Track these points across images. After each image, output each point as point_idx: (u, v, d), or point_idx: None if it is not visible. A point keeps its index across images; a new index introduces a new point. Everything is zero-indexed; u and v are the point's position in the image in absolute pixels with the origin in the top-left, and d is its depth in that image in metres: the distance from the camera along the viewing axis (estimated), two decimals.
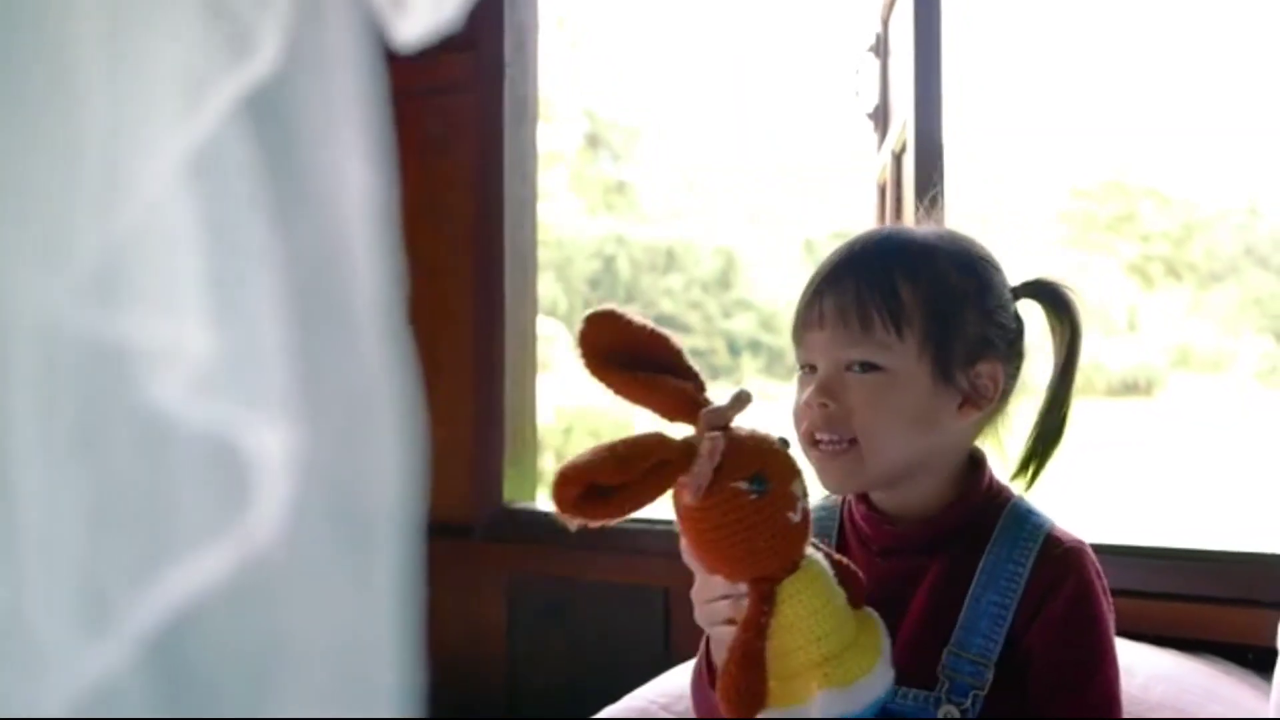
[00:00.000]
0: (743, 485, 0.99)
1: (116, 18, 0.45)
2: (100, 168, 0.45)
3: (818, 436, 1.11)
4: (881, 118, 2.19)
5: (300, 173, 0.47)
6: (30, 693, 0.44)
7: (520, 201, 2.20)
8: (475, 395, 2.24)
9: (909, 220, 1.84)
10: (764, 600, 1.01)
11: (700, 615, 1.08)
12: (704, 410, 1.01)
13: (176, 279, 0.45)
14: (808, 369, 1.14)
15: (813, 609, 1.02)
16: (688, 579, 2.01)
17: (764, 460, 1.00)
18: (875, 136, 2.23)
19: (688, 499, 0.98)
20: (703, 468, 0.96)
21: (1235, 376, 12.91)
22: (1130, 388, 13.21)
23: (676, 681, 1.58)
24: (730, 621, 1.03)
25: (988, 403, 1.13)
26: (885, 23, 2.15)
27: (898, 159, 1.97)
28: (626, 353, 1.01)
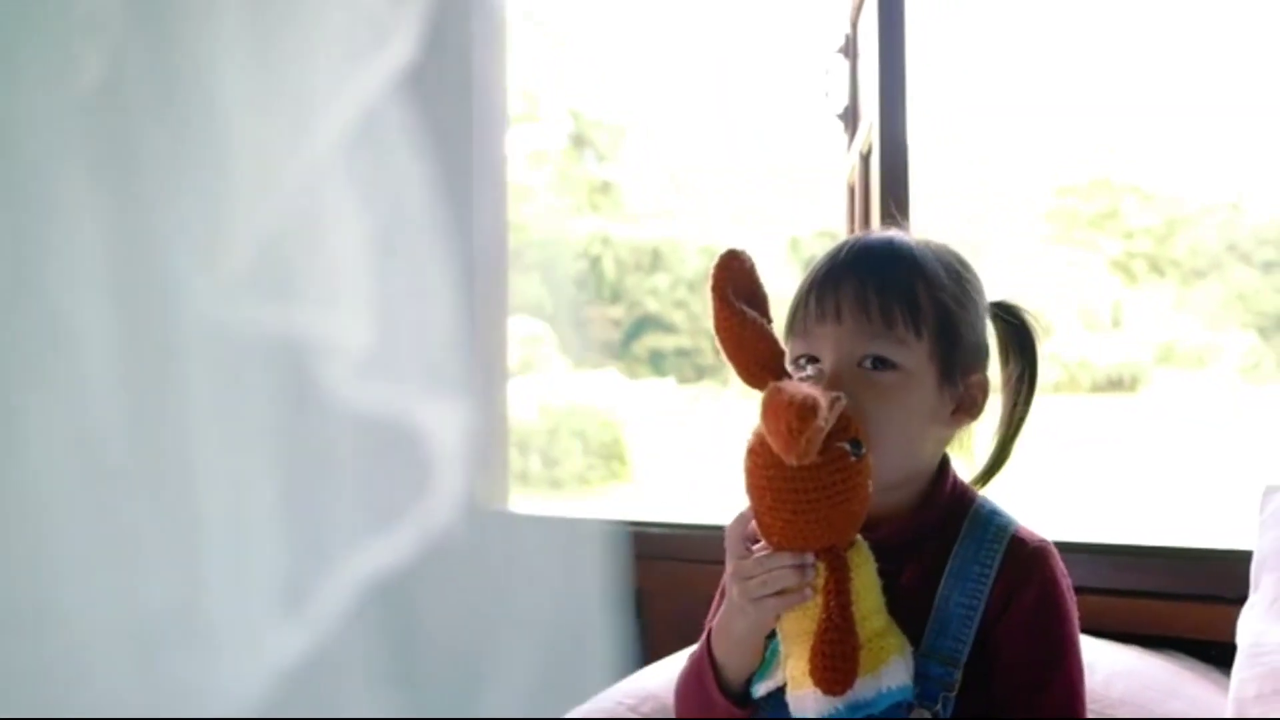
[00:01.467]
0: (846, 447, 1.00)
1: (258, 15, 0.45)
2: (253, 165, 0.45)
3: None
4: (851, 119, 2.20)
5: (460, 155, 0.47)
6: (222, 682, 0.44)
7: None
8: None
9: (875, 222, 1.85)
10: (843, 568, 1.03)
11: (751, 588, 1.04)
12: (806, 374, 1.07)
13: (344, 268, 0.45)
14: (805, 361, 1.12)
15: (872, 580, 1.05)
16: (658, 579, 2.02)
17: (856, 424, 1.02)
18: (846, 137, 2.25)
19: (795, 459, 0.98)
20: (824, 423, 0.97)
21: (1219, 372, 12.98)
22: (1115, 384, 13.27)
23: (644, 682, 1.58)
24: (783, 593, 1.03)
25: (978, 412, 1.15)
26: (854, 24, 2.16)
27: (865, 160, 1.98)
28: (743, 295, 1.06)
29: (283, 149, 0.38)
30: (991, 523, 1.13)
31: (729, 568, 1.08)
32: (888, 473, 1.08)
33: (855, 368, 1.08)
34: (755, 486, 1.04)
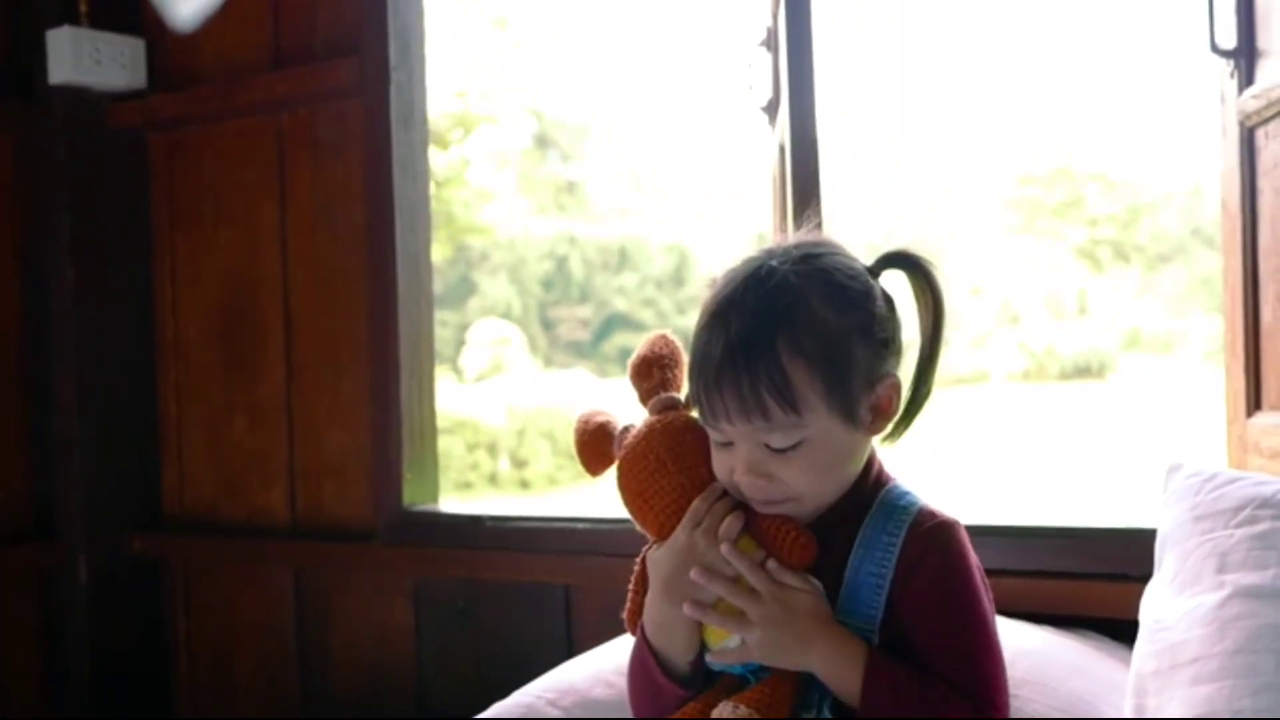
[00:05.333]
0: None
1: None
2: None
3: (759, 504, 1.15)
4: (774, 112, 2.20)
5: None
6: None
7: (411, 203, 2.20)
8: (372, 399, 2.25)
9: (789, 217, 1.86)
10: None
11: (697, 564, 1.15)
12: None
13: None
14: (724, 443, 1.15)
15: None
16: (586, 576, 2.03)
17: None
18: (769, 130, 2.25)
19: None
20: None
21: (1184, 356, 13.04)
22: (1082, 371, 13.30)
23: (567, 675, 1.59)
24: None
25: (894, 413, 1.16)
26: (775, 16, 2.16)
27: (783, 153, 1.99)
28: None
29: None
30: (900, 500, 1.17)
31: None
32: (824, 505, 1.16)
33: (764, 450, 1.12)
34: (640, 494, 1.19)
